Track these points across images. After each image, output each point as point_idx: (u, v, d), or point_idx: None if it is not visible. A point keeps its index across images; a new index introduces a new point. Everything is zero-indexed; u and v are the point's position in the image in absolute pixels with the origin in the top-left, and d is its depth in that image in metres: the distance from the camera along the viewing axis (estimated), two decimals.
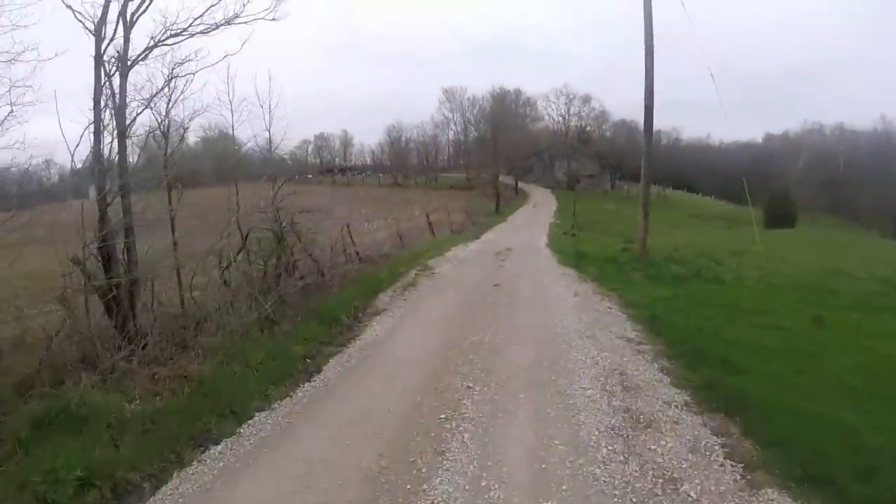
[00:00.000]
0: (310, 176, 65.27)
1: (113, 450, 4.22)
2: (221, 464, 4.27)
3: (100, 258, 5.87)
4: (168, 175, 7.05)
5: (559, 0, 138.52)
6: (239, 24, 7.14)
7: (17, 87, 5.34)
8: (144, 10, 6.33)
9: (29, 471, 3.77)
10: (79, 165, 5.89)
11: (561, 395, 5.24)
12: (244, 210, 8.57)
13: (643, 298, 9.11)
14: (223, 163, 15.59)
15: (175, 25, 6.59)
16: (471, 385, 5.55)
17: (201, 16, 6.76)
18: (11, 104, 5.38)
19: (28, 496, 3.54)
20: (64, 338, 5.32)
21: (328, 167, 73.39)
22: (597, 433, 4.47)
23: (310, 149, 75.30)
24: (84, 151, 5.85)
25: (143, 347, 5.76)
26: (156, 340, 5.94)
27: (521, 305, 9.06)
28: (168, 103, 6.90)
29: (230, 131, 11.36)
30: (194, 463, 4.29)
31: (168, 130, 7.08)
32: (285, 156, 61.29)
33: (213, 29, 6.92)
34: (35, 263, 6.04)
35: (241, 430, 4.80)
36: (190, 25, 6.68)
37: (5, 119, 5.34)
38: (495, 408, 5.02)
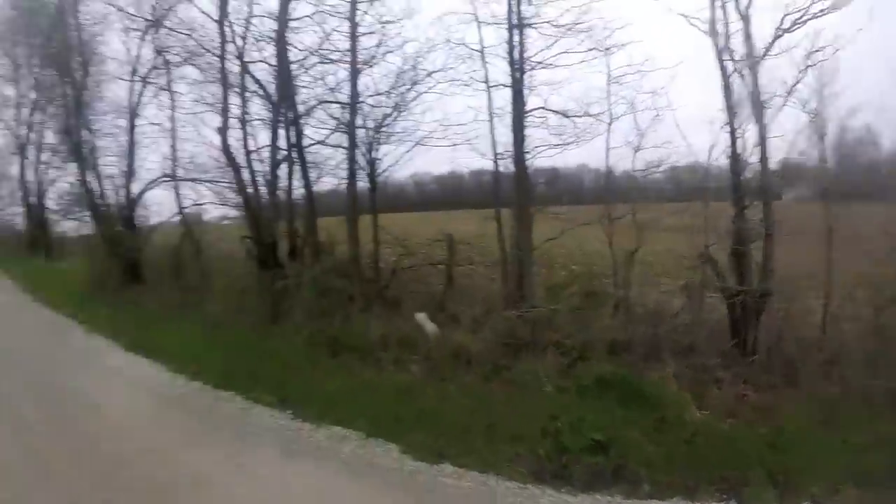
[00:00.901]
0: None
1: (643, 436, 4.23)
2: None
3: (733, 260, 5.85)
4: (826, 183, 5.94)
5: None
6: None
7: (655, 94, 6.50)
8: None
9: (561, 415, 4.43)
10: (715, 165, 6.05)
11: None
12: None
13: None
14: None
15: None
16: None
17: None
18: (656, 109, 6.55)
19: (551, 430, 4.23)
20: (676, 323, 5.78)
21: None
22: None
23: None
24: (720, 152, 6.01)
25: (751, 363, 5.42)
26: (767, 361, 5.44)
27: None
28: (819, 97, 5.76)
29: None
30: None
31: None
32: None
33: None
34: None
35: None
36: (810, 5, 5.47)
37: (652, 122, 6.60)
38: None
